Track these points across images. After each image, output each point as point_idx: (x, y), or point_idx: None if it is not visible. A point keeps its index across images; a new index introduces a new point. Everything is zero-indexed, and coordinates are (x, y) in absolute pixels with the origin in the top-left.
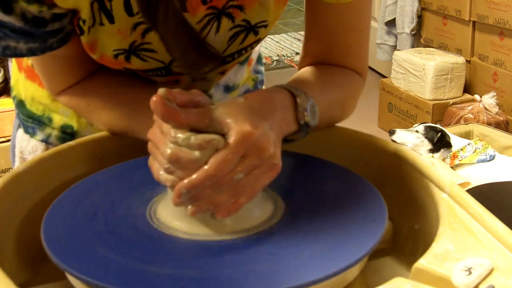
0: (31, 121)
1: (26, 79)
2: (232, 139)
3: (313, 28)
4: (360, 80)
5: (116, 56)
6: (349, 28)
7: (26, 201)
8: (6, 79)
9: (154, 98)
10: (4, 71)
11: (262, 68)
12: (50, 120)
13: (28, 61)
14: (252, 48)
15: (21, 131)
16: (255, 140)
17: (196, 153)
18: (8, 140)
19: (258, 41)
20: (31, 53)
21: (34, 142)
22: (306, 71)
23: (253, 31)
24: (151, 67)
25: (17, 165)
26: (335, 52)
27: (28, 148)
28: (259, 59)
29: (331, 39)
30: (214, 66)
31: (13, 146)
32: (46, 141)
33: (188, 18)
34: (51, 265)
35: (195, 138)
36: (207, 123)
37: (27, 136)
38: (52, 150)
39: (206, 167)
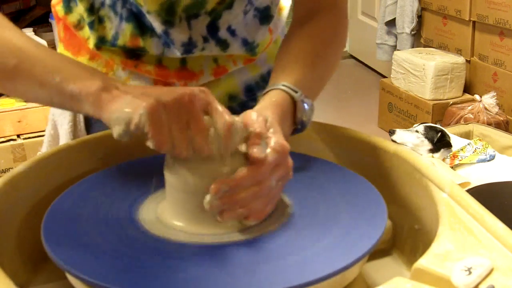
0: None
1: (64, 49)
2: (277, 147)
3: None
4: (338, 20)
5: None
6: None
7: (26, 201)
8: None
9: None
10: None
11: None
12: None
13: (63, 33)
14: None
15: None
16: (287, 154)
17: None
18: (8, 140)
19: None
20: None
21: None
22: (290, 54)
23: None
24: None
25: (43, 143)
26: None
27: (58, 110)
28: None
29: None
30: None
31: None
32: None
33: None
34: (51, 265)
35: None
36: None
37: None
38: (52, 150)
39: (245, 169)
